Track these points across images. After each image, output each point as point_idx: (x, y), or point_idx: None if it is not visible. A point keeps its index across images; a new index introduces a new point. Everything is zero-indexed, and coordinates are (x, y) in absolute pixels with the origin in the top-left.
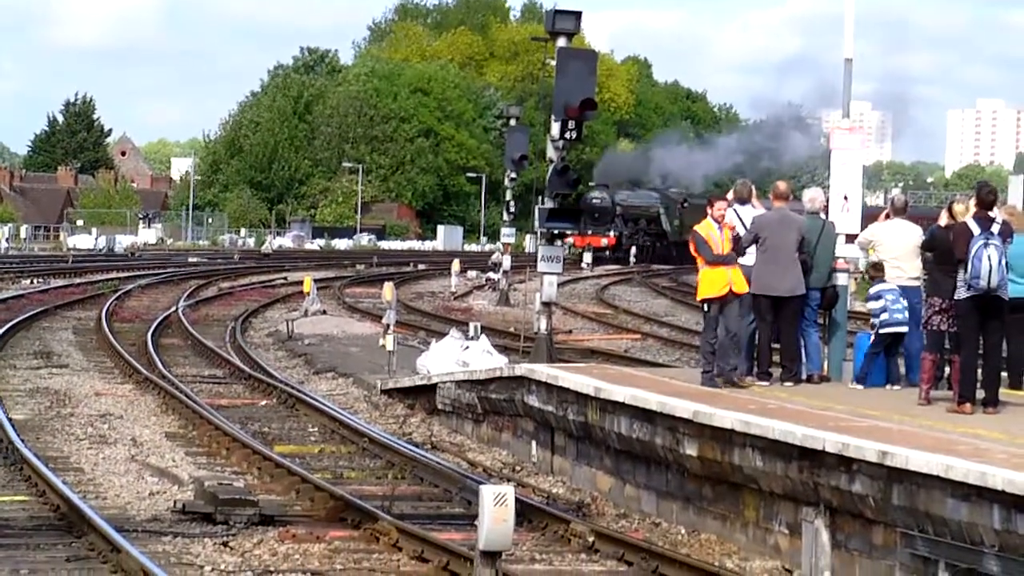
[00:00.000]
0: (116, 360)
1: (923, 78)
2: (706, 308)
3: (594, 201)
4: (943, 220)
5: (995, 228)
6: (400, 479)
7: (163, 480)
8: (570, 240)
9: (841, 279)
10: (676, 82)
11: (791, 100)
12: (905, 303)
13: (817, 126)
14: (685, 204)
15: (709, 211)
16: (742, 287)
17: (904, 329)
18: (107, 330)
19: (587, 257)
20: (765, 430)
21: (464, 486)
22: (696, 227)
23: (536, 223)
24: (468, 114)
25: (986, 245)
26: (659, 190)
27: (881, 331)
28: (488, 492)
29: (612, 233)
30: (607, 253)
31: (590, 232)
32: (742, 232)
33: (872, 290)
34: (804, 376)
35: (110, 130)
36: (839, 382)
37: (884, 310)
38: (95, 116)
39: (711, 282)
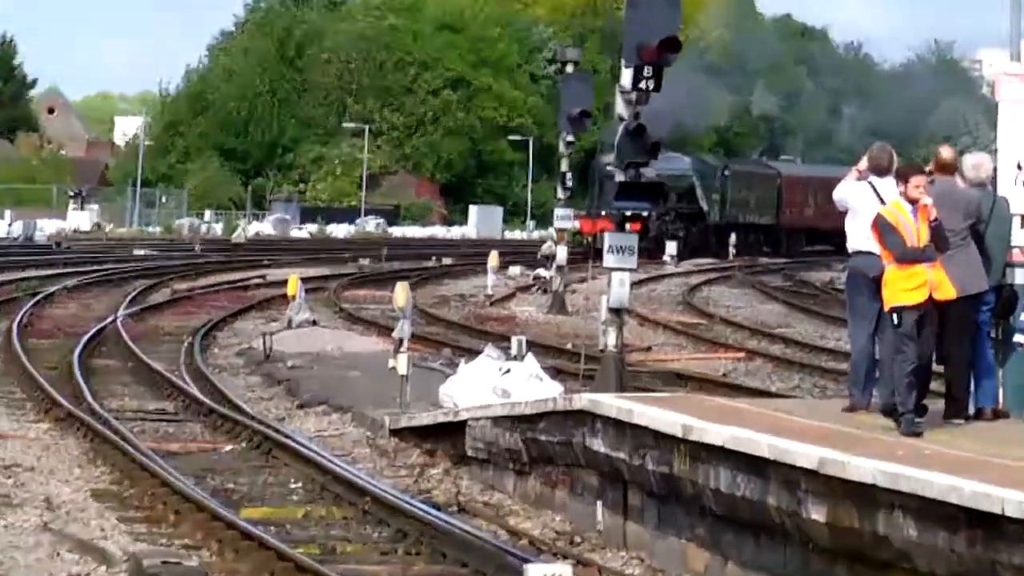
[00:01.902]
0: (29, 389)
1: None
2: (896, 321)
3: (609, 169)
4: None
5: None
6: (415, 555)
7: (86, 558)
8: (575, 224)
9: (1019, 276)
10: (787, 15)
11: (939, 38)
12: None
13: (977, 72)
14: (726, 172)
15: (903, 188)
16: (948, 292)
17: None
18: (18, 348)
19: (671, 248)
20: (921, 485)
21: (503, 565)
22: (881, 210)
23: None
24: (511, 59)
25: None
26: (693, 154)
27: None
28: (537, 573)
29: None
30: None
31: (604, 213)
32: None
33: None
34: (973, 410)
35: (35, 80)
36: (1020, 419)
37: None
38: (16, 62)
39: (905, 285)
